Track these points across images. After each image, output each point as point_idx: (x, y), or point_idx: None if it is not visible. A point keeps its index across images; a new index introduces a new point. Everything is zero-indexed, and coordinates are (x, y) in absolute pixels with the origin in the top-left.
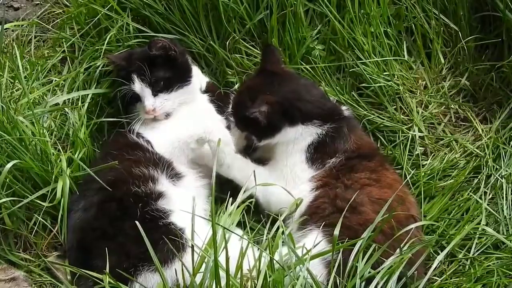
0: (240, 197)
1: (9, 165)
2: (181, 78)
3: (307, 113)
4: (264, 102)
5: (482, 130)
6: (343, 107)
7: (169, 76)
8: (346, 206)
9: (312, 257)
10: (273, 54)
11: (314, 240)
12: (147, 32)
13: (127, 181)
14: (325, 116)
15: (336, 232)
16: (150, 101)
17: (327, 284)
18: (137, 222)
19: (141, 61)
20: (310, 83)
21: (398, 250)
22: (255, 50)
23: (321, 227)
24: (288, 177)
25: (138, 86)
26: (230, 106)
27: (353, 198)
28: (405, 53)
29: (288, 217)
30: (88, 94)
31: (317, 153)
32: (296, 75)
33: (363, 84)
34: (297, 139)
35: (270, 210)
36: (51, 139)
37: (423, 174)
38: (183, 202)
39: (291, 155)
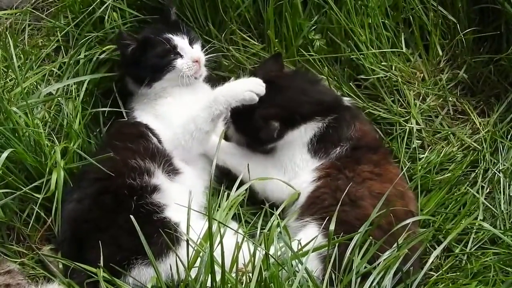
0: (235, 191)
1: (4, 154)
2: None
3: (307, 114)
4: (266, 119)
5: (480, 124)
6: (345, 99)
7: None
8: (346, 199)
9: (307, 253)
10: (266, 63)
11: (310, 233)
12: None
13: (123, 173)
14: (325, 111)
15: (332, 226)
16: (194, 49)
17: (323, 279)
18: (131, 216)
19: (170, 22)
20: (305, 82)
21: (394, 245)
22: (252, 41)
23: (319, 220)
24: (288, 166)
25: (178, 39)
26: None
27: (353, 192)
28: (403, 45)
29: (289, 207)
30: (83, 84)
31: (320, 143)
32: (290, 76)
33: (361, 76)
34: (299, 136)
35: (267, 198)
36: (45, 130)
37: (420, 167)
38: (179, 196)
39: (291, 148)
